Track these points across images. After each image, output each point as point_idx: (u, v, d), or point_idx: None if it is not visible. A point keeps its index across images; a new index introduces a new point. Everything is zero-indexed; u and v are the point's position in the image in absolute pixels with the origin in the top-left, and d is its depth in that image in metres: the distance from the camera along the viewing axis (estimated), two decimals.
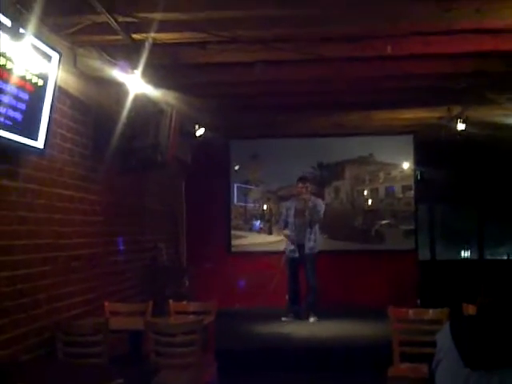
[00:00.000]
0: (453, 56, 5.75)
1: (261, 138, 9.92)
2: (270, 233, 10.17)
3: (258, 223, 10.28)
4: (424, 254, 10.37)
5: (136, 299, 6.71)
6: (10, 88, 3.86)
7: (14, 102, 3.94)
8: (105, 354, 4.50)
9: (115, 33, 4.55)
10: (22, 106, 4.04)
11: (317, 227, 8.50)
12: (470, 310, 4.74)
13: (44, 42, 4.18)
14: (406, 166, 9.98)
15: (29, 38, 3.89)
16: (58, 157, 4.98)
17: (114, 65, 5.12)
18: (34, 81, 4.12)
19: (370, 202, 10.12)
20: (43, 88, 4.27)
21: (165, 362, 4.70)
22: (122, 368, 4.37)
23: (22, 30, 3.75)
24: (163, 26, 4.52)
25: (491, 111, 7.66)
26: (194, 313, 5.64)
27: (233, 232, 10.20)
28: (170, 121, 6.02)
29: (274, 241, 10.01)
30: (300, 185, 8.46)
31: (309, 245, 8.36)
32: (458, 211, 11.14)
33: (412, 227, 9.95)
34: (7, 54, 3.74)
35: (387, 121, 8.77)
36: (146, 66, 5.00)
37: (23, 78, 4.00)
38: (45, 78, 4.26)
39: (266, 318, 8.41)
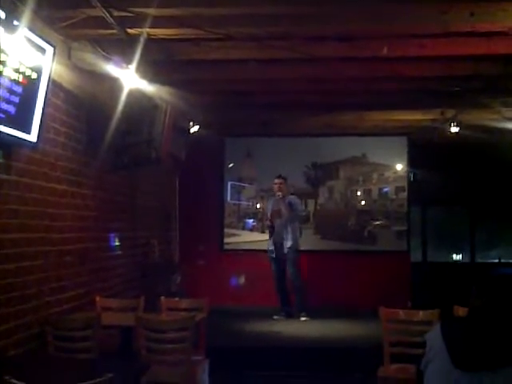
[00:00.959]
0: (447, 59, 5.78)
1: (255, 137, 9.92)
2: (263, 231, 10.15)
3: (251, 221, 10.28)
4: (416, 256, 10.40)
5: (127, 295, 6.70)
6: (3, 81, 3.84)
7: (7, 95, 3.92)
8: (95, 349, 4.49)
9: (110, 27, 4.54)
10: (16, 99, 4.02)
11: (296, 225, 8.50)
12: (461, 312, 4.76)
13: (38, 35, 4.16)
14: (399, 167, 10.00)
15: (23, 31, 3.87)
16: (50, 151, 4.96)
17: (109, 59, 5.10)
18: (27, 74, 4.11)
19: (363, 202, 10.14)
20: (37, 81, 4.25)
21: (155, 358, 4.70)
22: (113, 363, 4.37)
23: (16, 23, 3.73)
24: (158, 22, 4.52)
25: (485, 115, 7.68)
26: (185, 310, 5.63)
27: (226, 230, 10.19)
28: (165, 117, 6.00)
29: (267, 239, 9.99)
30: (276, 180, 8.49)
31: (287, 244, 8.37)
32: (450, 213, 11.17)
33: (404, 228, 9.97)
34: (1, 47, 3.72)
35: (381, 122, 8.79)
36: (140, 61, 4.99)
37: (17, 70, 3.99)
38: (38, 72, 4.24)
39: (258, 316, 8.42)
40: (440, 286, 9.51)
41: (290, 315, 8.40)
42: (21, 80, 4.04)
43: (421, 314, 5.04)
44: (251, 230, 10.24)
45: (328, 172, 10.11)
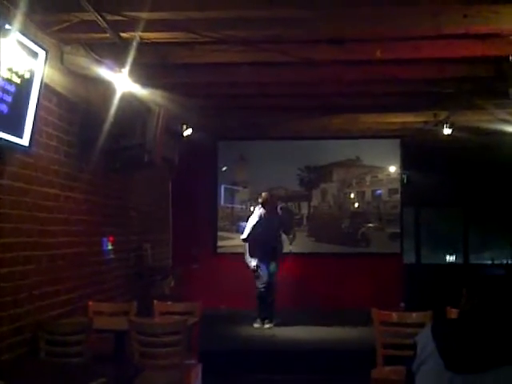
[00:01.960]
0: (440, 61, 5.80)
1: (248, 140, 9.93)
2: None
3: (244, 225, 10.26)
4: (409, 258, 10.42)
5: (120, 299, 6.68)
6: None
7: None
8: (88, 353, 4.48)
9: (103, 31, 4.53)
10: (7, 103, 4.00)
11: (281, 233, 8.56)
12: (454, 313, 4.77)
13: (31, 39, 4.15)
14: (392, 169, 10.03)
15: (15, 35, 3.86)
16: (43, 155, 4.94)
17: (102, 63, 5.09)
18: (19, 78, 4.09)
19: (356, 204, 10.16)
20: (29, 85, 4.24)
21: (148, 362, 4.69)
22: (105, 368, 4.36)
23: (8, 27, 3.72)
24: (151, 25, 4.51)
25: (478, 116, 7.72)
26: (178, 313, 5.62)
27: (219, 233, 10.19)
28: (158, 120, 5.99)
29: None
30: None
31: (277, 248, 8.45)
32: (443, 215, 11.20)
33: (398, 230, 10.00)
34: None
35: (374, 124, 8.81)
36: (133, 65, 4.98)
37: (8, 74, 3.97)
38: (31, 76, 4.23)
39: (252, 320, 8.40)
40: (433, 287, 9.52)
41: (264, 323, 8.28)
42: (12, 84, 4.02)
43: (414, 316, 5.06)
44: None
45: (321, 175, 10.13)
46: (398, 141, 9.86)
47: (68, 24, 4.55)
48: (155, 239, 8.67)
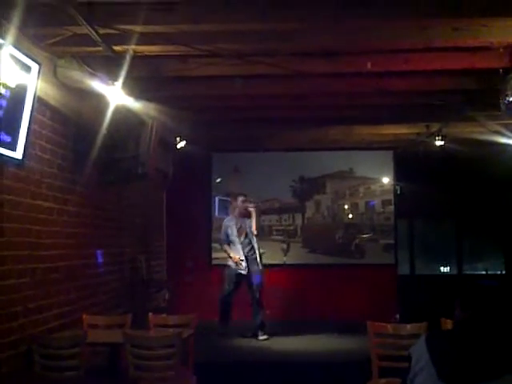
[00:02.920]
0: (431, 73, 5.86)
1: (242, 152, 9.95)
2: None
3: None
4: (403, 269, 10.43)
5: (115, 312, 6.65)
6: None
7: None
8: (82, 366, 4.45)
9: (96, 44, 4.56)
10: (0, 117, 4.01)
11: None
12: (448, 324, 4.78)
13: (24, 53, 4.17)
14: (385, 180, 10.06)
15: (8, 49, 3.87)
16: (36, 168, 4.94)
17: (95, 76, 5.11)
18: (12, 91, 4.10)
19: (350, 216, 10.19)
20: (22, 99, 4.25)
21: (143, 375, 4.66)
22: (100, 381, 4.34)
23: (1, 41, 3.73)
24: (144, 39, 4.54)
25: (470, 128, 7.77)
26: (173, 326, 5.60)
27: (214, 245, 10.16)
28: (151, 133, 6.01)
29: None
30: (243, 198, 8.26)
31: (257, 259, 8.22)
32: (437, 226, 11.23)
33: (392, 242, 10.02)
34: None
35: (367, 136, 8.86)
36: (126, 78, 5.00)
37: (1, 88, 3.97)
38: (24, 89, 4.24)
39: (246, 331, 8.38)
40: (428, 298, 9.53)
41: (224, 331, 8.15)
42: (5, 97, 4.03)
43: (408, 328, 5.06)
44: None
45: (315, 186, 10.16)
46: (390, 152, 9.91)
47: (61, 37, 4.57)
48: (150, 251, 8.65)
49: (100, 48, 4.65)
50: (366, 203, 10.14)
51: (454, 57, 5.35)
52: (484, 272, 10.82)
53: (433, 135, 7.91)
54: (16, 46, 3.99)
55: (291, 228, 10.16)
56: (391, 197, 10.04)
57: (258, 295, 8.16)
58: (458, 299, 2.68)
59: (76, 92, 5.46)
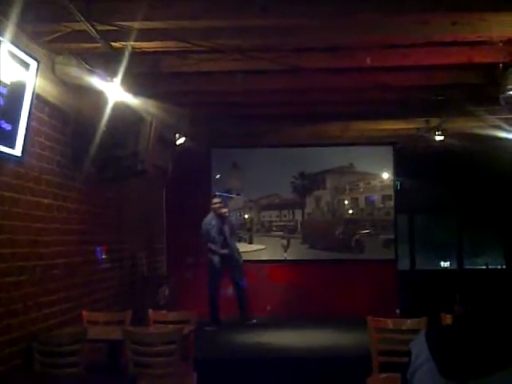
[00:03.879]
0: (430, 68, 5.84)
1: (242, 147, 9.94)
2: (251, 242, 10.17)
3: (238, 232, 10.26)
4: (404, 264, 10.43)
5: (115, 309, 6.65)
6: None
7: None
8: (82, 363, 4.46)
9: (94, 41, 4.54)
10: None
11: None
12: (448, 319, 4.78)
13: (22, 50, 4.16)
14: (385, 176, 10.05)
15: (6, 45, 3.86)
16: (36, 165, 4.94)
17: (93, 73, 5.09)
18: (10, 88, 4.09)
19: (350, 211, 10.18)
20: (21, 96, 4.24)
21: (143, 372, 4.66)
22: (100, 378, 4.34)
23: None
24: (143, 35, 4.52)
25: (469, 123, 7.76)
26: (173, 322, 5.60)
27: None
28: (150, 129, 6.01)
29: (255, 250, 10.01)
30: (217, 200, 8.84)
31: (235, 255, 8.84)
32: (437, 221, 11.22)
33: (392, 237, 10.01)
34: None
35: (367, 131, 8.85)
36: (125, 74, 4.99)
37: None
38: (22, 86, 4.24)
39: (246, 328, 8.39)
40: (428, 293, 9.53)
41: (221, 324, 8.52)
42: (4, 94, 4.02)
43: (409, 323, 5.06)
44: (239, 240, 10.22)
45: (315, 182, 10.14)
46: (390, 147, 9.90)
47: (59, 34, 4.56)
48: (149, 248, 8.66)
49: (98, 44, 4.64)
50: (366, 198, 10.13)
51: (454, 51, 5.34)
52: (484, 267, 10.82)
53: (432, 130, 7.90)
54: (14, 42, 3.99)
55: (291, 224, 10.16)
56: (391, 192, 10.02)
57: (244, 286, 8.68)
58: (458, 294, 2.68)
59: (75, 89, 5.44)
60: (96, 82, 5.14)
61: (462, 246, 10.76)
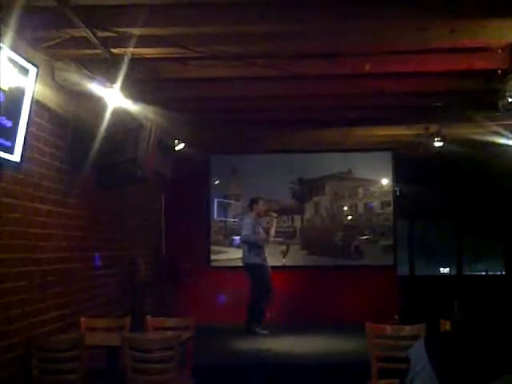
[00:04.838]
0: (429, 74, 5.85)
1: (241, 153, 9.94)
2: None
3: (237, 238, 10.25)
4: (403, 270, 10.43)
5: (114, 315, 6.65)
6: None
7: None
8: (80, 370, 4.45)
9: (94, 47, 4.55)
10: None
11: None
12: (447, 325, 4.78)
13: (21, 56, 4.16)
14: (384, 182, 10.05)
15: (6, 51, 3.87)
16: (35, 171, 4.94)
17: (93, 79, 5.10)
18: (10, 94, 4.09)
19: (349, 217, 10.17)
20: (20, 101, 4.24)
21: (142, 378, 4.66)
22: None
23: None
24: (143, 41, 4.53)
25: (469, 129, 7.76)
26: (172, 328, 5.60)
27: (212, 247, 10.17)
28: (150, 135, 6.01)
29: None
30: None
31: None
32: (436, 227, 11.23)
33: (391, 243, 10.00)
34: None
35: (365, 137, 8.85)
36: (125, 80, 4.99)
37: None
38: (21, 92, 4.24)
39: (245, 334, 8.37)
40: (428, 299, 9.52)
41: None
42: (3, 100, 4.02)
43: (407, 329, 5.05)
44: (238, 246, 10.22)
45: (314, 188, 10.14)
46: (389, 153, 9.90)
47: (59, 40, 4.56)
48: (148, 254, 8.65)
49: (98, 51, 4.65)
50: (365, 204, 10.13)
51: (453, 58, 5.35)
52: (484, 273, 10.82)
53: (432, 136, 7.90)
54: (14, 48, 3.99)
55: (290, 230, 10.15)
56: (390, 198, 10.02)
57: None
58: (457, 300, 2.68)
59: (74, 95, 5.45)
60: (96, 88, 5.15)
61: (462, 252, 10.76)
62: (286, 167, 9.90)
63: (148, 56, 5.12)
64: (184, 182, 9.42)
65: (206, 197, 10.13)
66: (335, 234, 10.09)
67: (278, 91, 6.27)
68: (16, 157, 4.30)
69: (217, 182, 10.16)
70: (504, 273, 10.63)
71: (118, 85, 5.04)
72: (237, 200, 10.19)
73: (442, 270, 11.25)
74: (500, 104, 5.36)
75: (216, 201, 10.17)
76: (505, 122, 6.92)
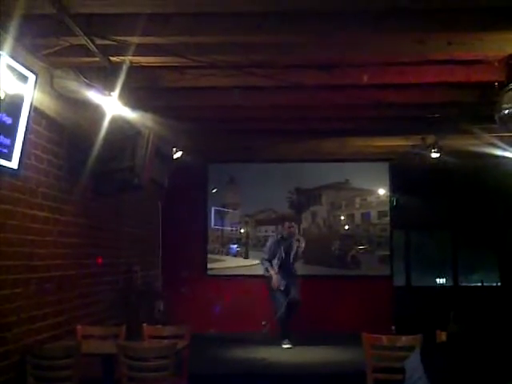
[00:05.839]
0: (426, 86, 5.89)
1: (239, 162, 9.97)
2: (247, 257, 10.17)
3: (235, 247, 10.27)
4: (399, 280, 10.42)
5: (109, 323, 6.63)
6: None
7: None
8: (76, 377, 4.44)
9: (93, 55, 4.58)
10: None
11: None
12: (443, 336, 4.77)
13: (20, 63, 4.18)
14: (381, 192, 10.08)
15: (5, 59, 3.88)
16: (32, 178, 4.94)
17: (91, 86, 5.12)
18: (8, 101, 4.10)
19: (346, 227, 10.19)
20: (18, 108, 4.25)
21: None
22: None
23: None
24: (141, 49, 4.56)
25: (465, 140, 7.79)
26: (168, 337, 5.58)
27: (209, 255, 10.17)
28: (147, 143, 6.02)
29: (251, 264, 10.00)
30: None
31: None
32: (432, 238, 11.23)
33: (387, 253, 10.02)
34: None
35: (363, 148, 8.88)
36: (123, 88, 5.01)
37: None
38: (20, 99, 4.25)
39: (242, 343, 8.37)
40: (424, 309, 9.52)
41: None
42: (2, 107, 4.03)
43: (403, 340, 5.05)
44: (235, 255, 10.23)
45: (311, 197, 10.16)
46: (386, 164, 9.94)
47: (58, 48, 4.58)
48: (145, 262, 8.64)
49: (97, 58, 4.67)
50: (362, 214, 10.15)
51: (450, 70, 5.38)
52: (480, 284, 10.82)
53: (428, 147, 7.92)
54: (13, 56, 4.01)
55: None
56: (387, 208, 10.05)
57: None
58: (453, 312, 2.69)
59: (72, 102, 5.46)
60: (94, 95, 5.16)
61: (458, 263, 10.76)
62: (284, 177, 9.93)
63: (146, 64, 5.14)
64: (181, 191, 9.43)
65: (203, 205, 10.14)
66: (332, 244, 10.10)
67: (275, 101, 6.30)
68: (14, 164, 4.31)
69: (214, 191, 10.18)
70: (500, 284, 10.63)
71: (116, 93, 5.06)
72: (234, 209, 10.21)
73: (438, 280, 11.25)
74: (496, 116, 5.38)
75: (213, 209, 10.18)
76: (501, 134, 6.94)
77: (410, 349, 4.72)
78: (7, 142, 4.20)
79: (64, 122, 5.51)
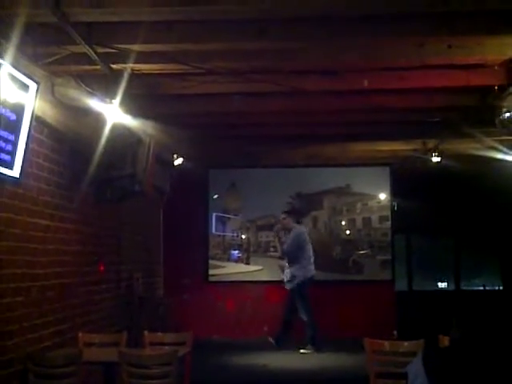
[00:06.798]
0: (426, 90, 5.90)
1: (239, 168, 9.97)
2: (248, 262, 10.15)
3: (236, 253, 10.25)
4: (401, 285, 10.41)
5: (111, 330, 6.62)
6: None
7: None
8: None
9: (94, 63, 4.58)
10: None
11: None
12: (446, 341, 4.76)
13: (22, 72, 4.18)
14: (382, 196, 10.08)
15: (6, 68, 3.89)
16: (33, 186, 4.94)
17: (93, 94, 5.12)
18: (10, 110, 4.10)
19: (347, 232, 10.18)
20: (20, 117, 4.26)
21: None
22: None
23: None
24: (142, 57, 4.56)
25: (466, 144, 7.81)
26: (169, 344, 5.57)
27: (210, 261, 10.16)
28: (148, 150, 6.02)
29: (252, 270, 10.00)
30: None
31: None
32: (434, 242, 11.22)
33: (389, 257, 10.01)
34: None
35: (363, 152, 8.89)
36: (124, 96, 5.02)
37: None
38: (22, 108, 4.25)
39: (244, 349, 8.35)
40: (426, 314, 9.50)
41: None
42: (3, 116, 4.04)
43: (406, 345, 5.03)
44: (236, 261, 10.22)
45: (312, 202, 10.16)
46: (387, 168, 9.94)
47: (59, 56, 4.58)
48: (146, 269, 8.63)
49: (98, 66, 4.67)
50: (363, 219, 10.14)
51: (450, 74, 5.39)
52: (482, 288, 10.81)
53: (429, 151, 7.94)
54: (14, 64, 4.01)
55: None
56: (388, 213, 10.04)
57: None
58: (455, 317, 2.69)
59: (73, 110, 5.46)
60: (95, 103, 5.17)
61: (460, 267, 10.75)
62: (285, 182, 9.93)
63: (147, 72, 5.15)
64: (183, 197, 9.43)
65: (204, 211, 10.13)
66: (333, 249, 10.09)
67: (277, 107, 6.31)
68: (15, 172, 4.31)
69: (215, 197, 10.17)
70: (501, 288, 10.62)
71: (117, 100, 5.06)
72: (235, 215, 10.20)
73: (440, 285, 11.24)
74: (497, 120, 5.39)
75: (214, 215, 10.18)
76: (501, 138, 6.95)
77: (413, 354, 4.71)
78: (9, 150, 4.20)
79: (65, 130, 5.51)
